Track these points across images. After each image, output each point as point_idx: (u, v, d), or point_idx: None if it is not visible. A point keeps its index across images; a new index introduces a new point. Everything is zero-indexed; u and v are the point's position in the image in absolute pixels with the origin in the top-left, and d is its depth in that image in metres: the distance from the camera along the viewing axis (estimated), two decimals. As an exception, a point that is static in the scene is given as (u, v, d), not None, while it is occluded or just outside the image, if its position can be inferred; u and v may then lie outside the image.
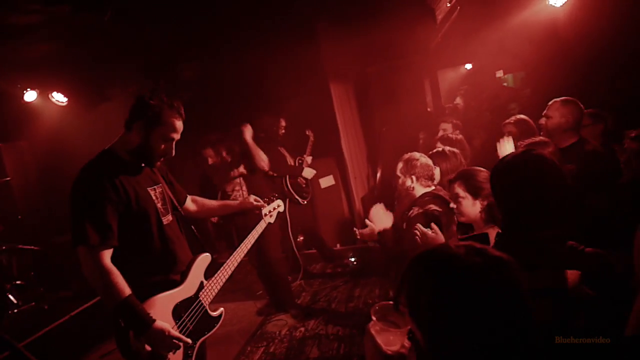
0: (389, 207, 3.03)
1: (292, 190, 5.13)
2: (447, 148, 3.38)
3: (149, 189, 2.17)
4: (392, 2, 5.00)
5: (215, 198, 4.52)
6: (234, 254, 2.39)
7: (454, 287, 0.93)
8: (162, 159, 2.18)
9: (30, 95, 5.42)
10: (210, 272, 2.29)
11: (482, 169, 2.32)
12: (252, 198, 2.67)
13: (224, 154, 4.73)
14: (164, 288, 2.06)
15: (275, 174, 5.04)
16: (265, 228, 2.67)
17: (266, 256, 4.39)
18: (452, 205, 2.44)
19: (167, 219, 2.23)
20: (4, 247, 5.06)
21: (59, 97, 5.63)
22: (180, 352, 2.02)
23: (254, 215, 2.70)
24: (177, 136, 2.14)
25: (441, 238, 2.29)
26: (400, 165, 2.98)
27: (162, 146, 2.11)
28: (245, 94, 5.76)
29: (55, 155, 6.23)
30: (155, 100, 2.05)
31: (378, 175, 6.23)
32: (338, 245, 6.18)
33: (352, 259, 5.62)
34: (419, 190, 2.91)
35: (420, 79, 7.55)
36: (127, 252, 2.01)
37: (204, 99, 5.92)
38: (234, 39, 5.27)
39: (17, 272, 5.22)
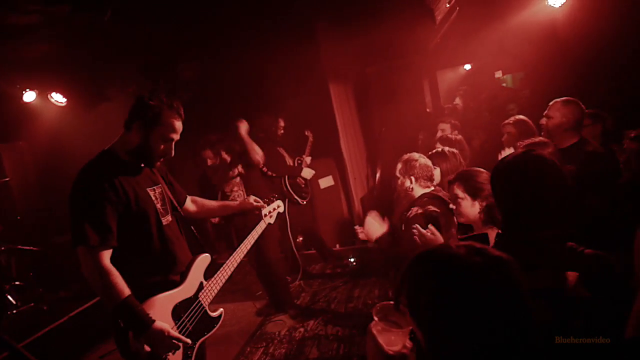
0: (388, 208, 3.03)
1: (291, 191, 5.13)
2: (447, 148, 3.38)
3: (148, 189, 2.17)
4: (391, 3, 5.01)
5: (214, 198, 4.52)
6: (233, 254, 2.39)
7: (454, 287, 0.93)
8: (161, 159, 2.18)
9: (29, 96, 5.42)
10: (209, 273, 2.28)
11: (482, 169, 2.32)
12: (252, 199, 2.67)
13: (224, 154, 4.73)
14: (164, 288, 2.06)
15: (274, 174, 5.04)
16: (265, 228, 2.67)
17: (265, 257, 4.38)
18: (451, 206, 2.44)
19: (167, 219, 2.22)
20: (3, 248, 5.05)
21: (58, 98, 5.63)
22: (179, 352, 2.02)
23: (254, 215, 2.70)
24: (176, 136, 2.14)
25: (440, 239, 2.29)
26: (399, 166, 2.98)
27: (162, 146, 2.11)
28: (245, 94, 5.76)
29: (55, 155, 6.23)
30: (155, 100, 2.05)
31: (377, 175, 6.23)
32: (337, 246, 6.18)
33: (352, 260, 5.61)
34: (418, 191, 2.91)
35: (420, 79, 7.55)
36: (127, 252, 2.01)
37: (204, 99, 5.92)
38: (234, 39, 5.27)
39: (16, 272, 5.22)
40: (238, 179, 4.79)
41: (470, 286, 0.92)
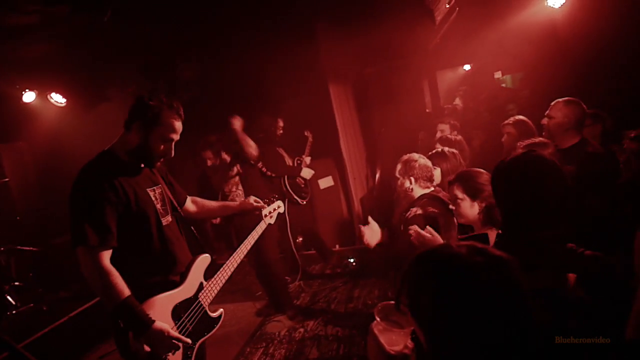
0: (388, 208, 3.03)
1: (290, 191, 5.13)
2: (446, 149, 3.38)
3: (148, 189, 2.16)
4: (391, 3, 5.01)
5: (214, 198, 4.52)
6: (233, 255, 2.39)
7: (455, 287, 0.93)
8: (161, 159, 2.18)
9: (29, 96, 5.42)
10: (209, 273, 2.28)
11: (482, 170, 2.32)
12: (252, 199, 2.67)
13: (224, 155, 4.73)
14: (164, 289, 2.06)
15: (273, 175, 5.04)
16: (264, 229, 2.67)
17: (263, 257, 4.38)
18: (451, 206, 2.44)
19: (167, 219, 2.22)
20: (2, 248, 5.05)
21: (57, 98, 5.63)
22: (179, 352, 2.02)
23: (254, 216, 2.69)
24: (176, 137, 2.14)
25: (438, 239, 2.30)
26: (399, 166, 2.98)
27: (162, 147, 2.11)
28: (245, 95, 5.76)
29: (54, 156, 6.22)
30: (155, 100, 2.05)
31: (377, 175, 6.23)
32: (337, 246, 6.18)
33: (352, 260, 5.61)
34: (418, 191, 2.91)
35: (419, 79, 7.55)
36: (127, 253, 2.01)
37: (204, 99, 5.92)
38: (234, 39, 5.27)
39: (15, 273, 5.21)
40: (237, 178, 4.79)
41: (471, 286, 0.92)
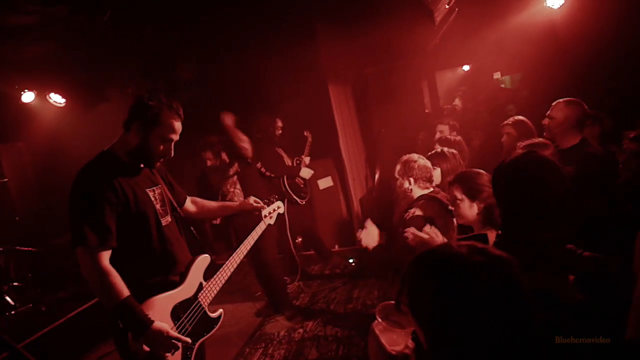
0: (387, 209, 3.03)
1: (290, 191, 5.13)
2: (446, 149, 3.39)
3: (147, 190, 2.16)
4: (390, 3, 5.01)
5: (212, 198, 4.51)
6: (233, 255, 2.39)
7: (455, 286, 0.93)
8: (161, 159, 2.18)
9: (28, 96, 5.41)
10: (209, 274, 2.28)
11: (481, 171, 2.33)
12: (252, 199, 2.67)
13: (224, 155, 4.72)
14: (163, 289, 2.06)
15: (272, 175, 5.04)
16: (264, 229, 2.67)
17: (262, 257, 4.38)
18: (450, 207, 2.45)
19: (166, 220, 2.22)
20: (1, 249, 5.04)
21: (56, 98, 5.62)
22: (178, 353, 2.01)
23: (253, 216, 2.70)
24: (175, 137, 2.14)
25: (435, 240, 2.30)
26: (398, 167, 2.98)
27: (161, 147, 2.11)
28: (244, 95, 5.75)
29: (53, 156, 6.21)
30: (154, 101, 2.05)
31: (376, 176, 6.23)
32: (337, 247, 6.18)
33: (351, 260, 5.61)
34: (417, 192, 2.91)
35: (419, 80, 7.56)
36: (126, 253, 2.01)
37: (203, 99, 5.92)
38: (233, 39, 5.27)
39: (14, 273, 5.20)
40: (235, 177, 4.78)
41: (471, 285, 0.92)
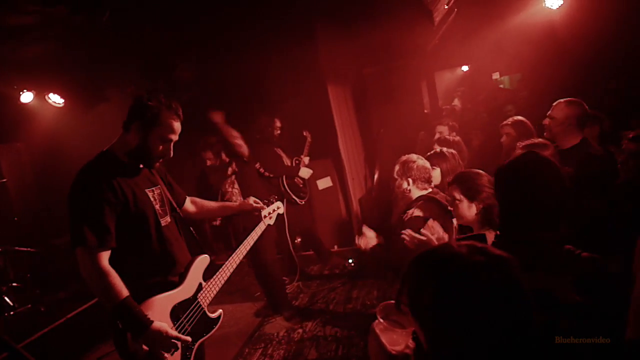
0: (386, 209, 3.03)
1: (289, 191, 5.13)
2: (445, 149, 3.39)
3: (147, 190, 2.16)
4: (390, 4, 5.01)
5: (212, 198, 4.51)
6: (232, 255, 2.39)
7: (456, 286, 0.93)
8: (160, 160, 2.18)
9: (27, 97, 5.40)
10: (208, 274, 2.28)
11: (480, 171, 2.33)
12: (252, 200, 2.66)
13: (223, 155, 4.72)
14: (163, 289, 2.06)
15: (271, 175, 5.04)
16: (263, 229, 2.67)
17: (261, 258, 4.38)
18: (450, 208, 2.45)
19: (166, 220, 2.22)
20: (0, 249, 5.03)
21: (55, 99, 5.61)
22: (178, 353, 2.01)
23: (253, 216, 2.69)
24: (175, 137, 2.14)
25: (433, 241, 2.30)
26: (397, 167, 2.97)
27: (160, 147, 2.11)
28: (244, 95, 5.76)
29: (52, 156, 6.21)
30: (154, 101, 2.05)
31: (375, 176, 6.23)
32: (336, 247, 6.18)
33: (350, 261, 5.61)
34: (416, 192, 2.91)
35: (418, 80, 7.56)
36: (126, 253, 2.01)
37: (203, 99, 5.91)
38: (233, 39, 5.27)
39: (13, 274, 5.19)
40: (233, 177, 4.78)
41: (472, 285, 0.92)
